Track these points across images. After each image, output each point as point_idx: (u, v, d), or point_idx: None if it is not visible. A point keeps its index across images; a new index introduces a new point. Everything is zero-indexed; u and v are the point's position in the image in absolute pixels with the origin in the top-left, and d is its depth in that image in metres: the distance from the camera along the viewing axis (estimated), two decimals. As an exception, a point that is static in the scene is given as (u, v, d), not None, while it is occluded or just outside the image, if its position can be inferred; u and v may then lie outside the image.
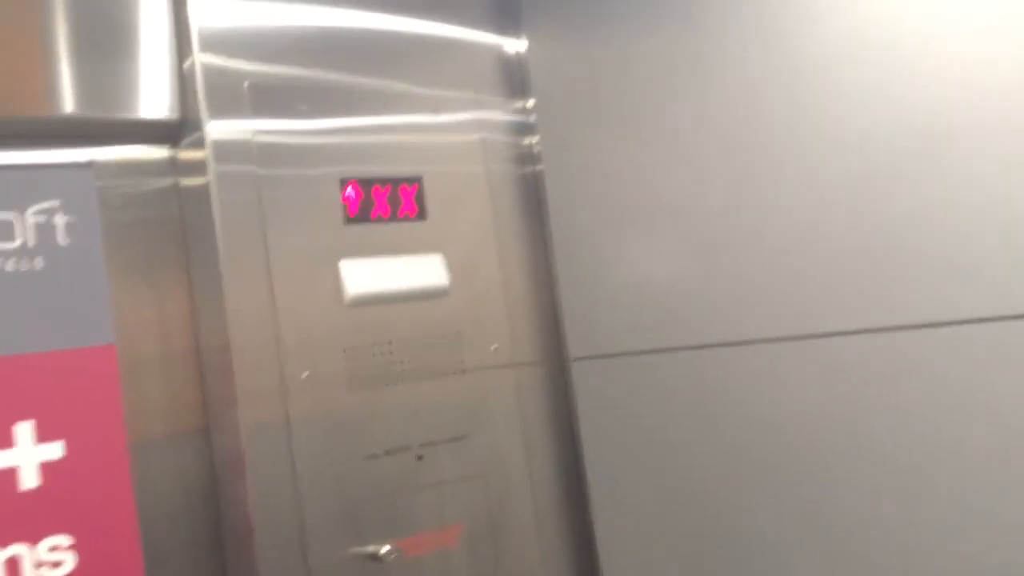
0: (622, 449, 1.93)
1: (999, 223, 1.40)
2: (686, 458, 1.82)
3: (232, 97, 1.72)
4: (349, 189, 1.84)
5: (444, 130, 1.99)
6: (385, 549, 1.76)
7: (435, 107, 1.98)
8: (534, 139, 2.09)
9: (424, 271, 1.91)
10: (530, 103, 2.10)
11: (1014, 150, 1.38)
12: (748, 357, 1.71)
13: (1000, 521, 1.42)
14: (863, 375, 1.56)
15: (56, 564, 1.40)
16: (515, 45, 2.12)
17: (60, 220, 1.45)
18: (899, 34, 1.48)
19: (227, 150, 1.71)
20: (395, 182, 1.90)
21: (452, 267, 1.94)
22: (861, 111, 1.53)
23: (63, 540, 1.41)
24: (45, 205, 1.43)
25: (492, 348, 1.99)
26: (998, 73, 1.39)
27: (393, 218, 1.89)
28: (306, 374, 1.74)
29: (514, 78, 2.11)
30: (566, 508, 2.06)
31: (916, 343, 1.49)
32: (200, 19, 1.72)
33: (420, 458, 1.86)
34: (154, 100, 1.71)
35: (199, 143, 1.71)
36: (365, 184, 1.86)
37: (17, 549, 1.36)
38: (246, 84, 1.74)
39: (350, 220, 1.83)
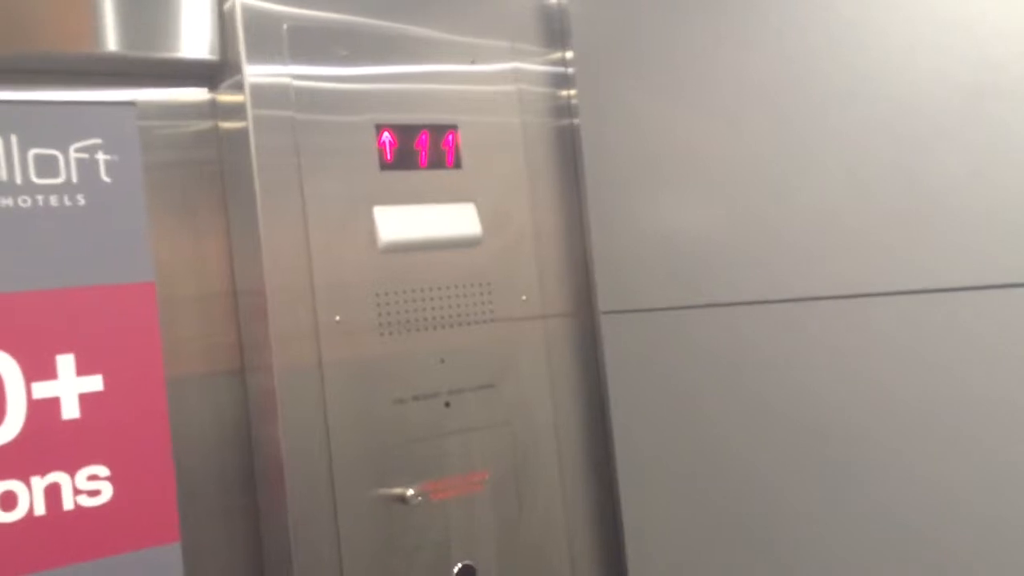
0: (648, 403, 1.94)
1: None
2: (712, 414, 1.83)
3: (271, 40, 1.73)
4: (385, 135, 1.84)
5: (480, 80, 1.98)
6: (411, 492, 1.80)
7: (472, 56, 1.97)
8: (571, 92, 2.08)
9: (457, 220, 1.92)
10: (569, 55, 2.08)
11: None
12: (780, 315, 1.71)
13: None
14: (898, 337, 1.54)
15: (93, 493, 1.44)
16: (555, -5, 2.10)
17: (102, 158, 1.47)
18: (949, -10, 1.45)
19: (265, 94, 1.72)
20: (430, 130, 1.90)
21: (485, 217, 1.95)
22: (905, 66, 1.50)
23: (101, 470, 1.45)
24: (88, 143, 1.45)
25: (522, 299, 2.00)
26: (1048, 33, 1.36)
27: (428, 166, 1.90)
28: (338, 318, 1.76)
29: (553, 29, 2.09)
30: (590, 459, 2.08)
31: (953, 306, 1.48)
32: (241, -39, 1.72)
33: (448, 405, 1.89)
34: (195, 40, 1.72)
35: (238, 86, 1.72)
36: (400, 131, 1.86)
37: (57, 476, 1.41)
38: (285, 27, 1.75)
39: (385, 166, 1.84)
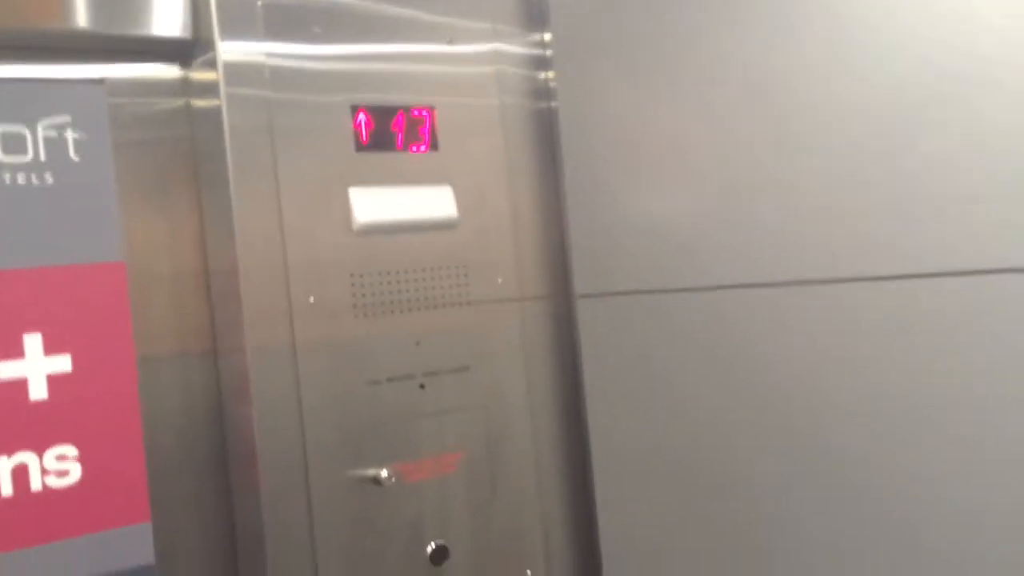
0: (623, 387, 1.95)
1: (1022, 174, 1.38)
2: (687, 398, 1.84)
3: (245, 17, 1.71)
4: (361, 116, 1.83)
5: (458, 61, 1.97)
6: (385, 473, 1.80)
7: (450, 37, 1.95)
8: (550, 74, 2.07)
9: (433, 202, 1.91)
10: (547, 36, 2.07)
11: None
12: (756, 300, 1.71)
13: (1004, 471, 1.43)
14: (876, 321, 1.55)
15: (62, 473, 1.43)
16: (534, -24, 2.08)
17: (71, 136, 1.45)
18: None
19: (239, 72, 1.70)
20: (407, 111, 1.89)
21: (461, 199, 1.94)
22: (890, 54, 1.50)
23: (69, 450, 1.44)
24: (56, 120, 1.43)
25: (498, 281, 2.00)
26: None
27: (404, 148, 1.88)
28: (313, 299, 1.76)
29: (532, 10, 2.07)
30: (565, 442, 2.09)
31: (931, 292, 1.49)
32: (215, -64, 1.69)
33: (422, 387, 1.88)
34: (167, 17, 1.70)
35: (211, 64, 1.70)
36: (376, 112, 1.85)
37: (25, 457, 1.40)
38: (259, 4, 1.72)
39: (361, 148, 1.83)
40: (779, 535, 1.71)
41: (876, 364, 1.56)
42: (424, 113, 1.91)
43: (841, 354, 1.60)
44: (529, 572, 2.02)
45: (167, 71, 1.76)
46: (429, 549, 1.87)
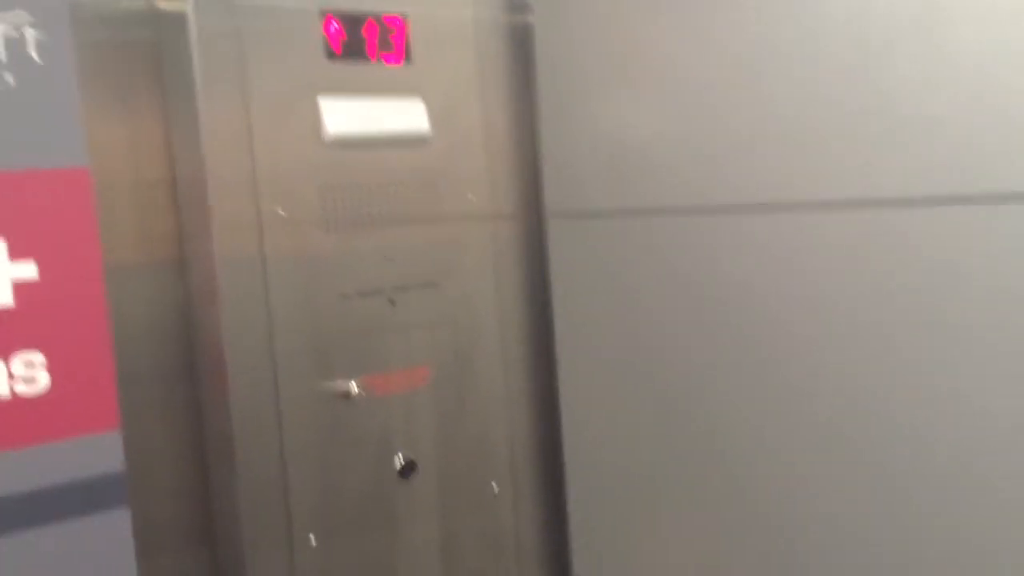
0: (591, 305, 1.96)
1: (991, 103, 1.39)
2: (653, 318, 1.86)
3: (212, -84, 1.65)
4: (332, 24, 1.78)
5: (433, -31, 1.92)
6: (354, 386, 1.81)
7: (425, -57, 1.90)
8: (526, -14, 2.03)
9: (405, 116, 1.88)
10: (525, -53, 2.02)
11: (1011, 33, 1.36)
12: (727, 224, 1.72)
13: (969, 397, 1.46)
14: (846, 246, 1.57)
15: (30, 380, 1.42)
16: None
17: (31, 35, 1.40)
18: None
19: (206, -26, 1.64)
20: (378, 19, 1.84)
21: (434, 113, 1.91)
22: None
23: (37, 358, 1.42)
24: (13, 15, 1.38)
25: (469, 198, 1.99)
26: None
27: (376, 59, 1.85)
28: (282, 211, 1.74)
29: (509, -82, 2.02)
30: (532, 358, 2.11)
31: (900, 218, 1.50)
32: None
33: (392, 301, 1.89)
34: (130, -87, 1.63)
35: (177, -36, 1.64)
36: (347, 20, 1.80)
37: (-10, 362, 1.38)
38: (227, -97, 1.66)
39: (332, 56, 1.79)
40: (741, 454, 1.75)
41: (840, 288, 1.58)
42: (397, 22, 1.86)
43: (806, 278, 1.62)
44: (495, 484, 2.06)
45: (131, -29, 1.70)
46: (397, 462, 1.90)
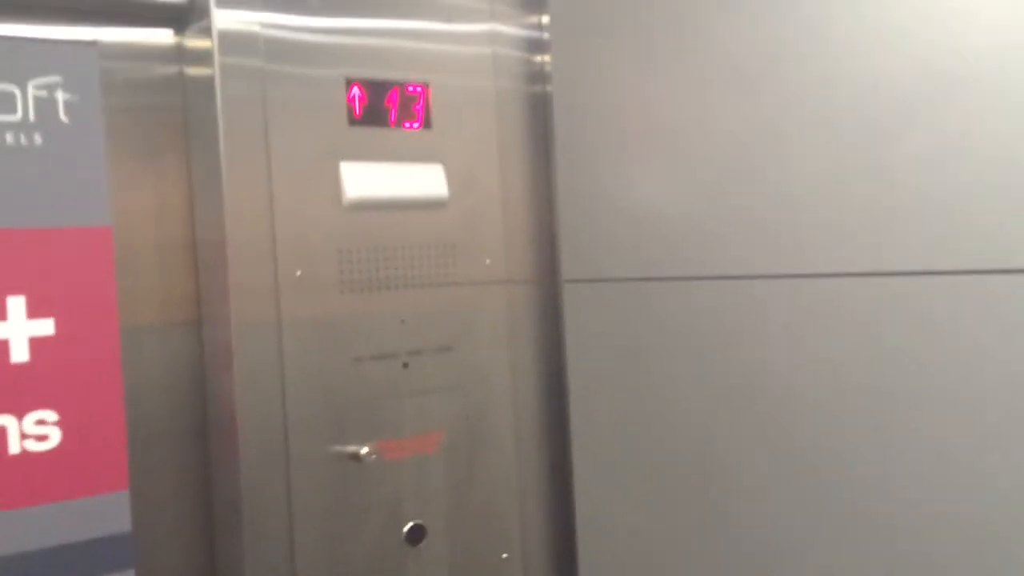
0: (606, 373, 1.95)
1: (1006, 176, 1.39)
2: (668, 387, 1.84)
3: (242, -15, 1.69)
4: (354, 91, 1.82)
5: (455, 39, 1.96)
6: (365, 450, 1.80)
7: (448, 15, 1.94)
8: (546, 57, 2.06)
9: (424, 180, 1.90)
10: (545, 19, 2.06)
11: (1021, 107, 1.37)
12: (741, 292, 1.72)
13: (977, 469, 1.44)
14: (854, 318, 1.57)
15: (41, 437, 1.42)
16: (534, -42, 2.07)
17: (61, 97, 1.43)
18: (925, -23, 1.45)
19: (234, 41, 1.68)
20: (402, 87, 1.88)
21: (452, 179, 1.93)
22: (879, 50, 1.51)
23: (50, 415, 1.43)
24: (47, 80, 1.41)
25: (486, 263, 2.00)
26: (1021, 21, 1.37)
27: (397, 124, 1.87)
28: (299, 273, 1.75)
29: (531, -8, 2.07)
30: (545, 426, 2.09)
31: (911, 290, 1.50)
32: (214, -98, 1.67)
33: (406, 365, 1.88)
34: (162, -18, 1.68)
35: (206, 31, 1.68)
36: (370, 87, 1.84)
37: (4, 419, 1.38)
38: (257, -27, 1.71)
39: (354, 122, 1.82)
40: (755, 527, 1.72)
41: (854, 360, 1.57)
42: (418, 90, 1.90)
43: (820, 349, 1.62)
44: (505, 555, 2.03)
45: (161, 37, 1.75)
46: (406, 528, 1.88)
